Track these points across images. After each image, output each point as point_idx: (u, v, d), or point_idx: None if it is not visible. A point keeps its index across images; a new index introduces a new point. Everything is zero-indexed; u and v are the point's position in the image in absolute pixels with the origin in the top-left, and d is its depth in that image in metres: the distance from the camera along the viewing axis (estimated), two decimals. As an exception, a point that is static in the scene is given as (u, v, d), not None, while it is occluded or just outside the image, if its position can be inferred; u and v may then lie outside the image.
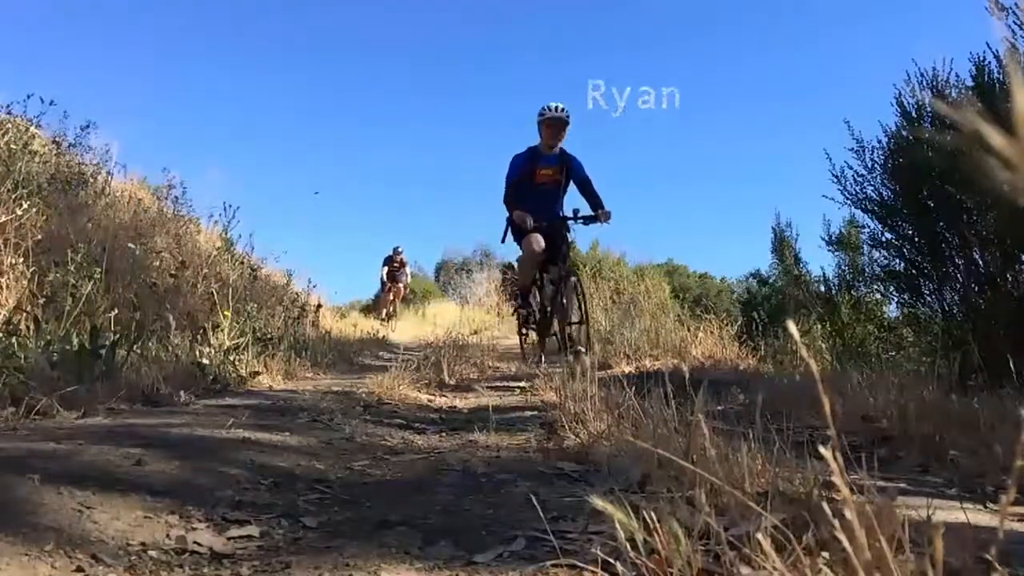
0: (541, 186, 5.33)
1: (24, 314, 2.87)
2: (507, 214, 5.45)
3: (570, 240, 5.37)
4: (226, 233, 6.43)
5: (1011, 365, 2.39)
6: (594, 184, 5.36)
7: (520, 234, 5.30)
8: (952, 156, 2.85)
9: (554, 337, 5.36)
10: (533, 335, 5.87)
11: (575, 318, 4.97)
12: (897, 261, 3.81)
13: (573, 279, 5.04)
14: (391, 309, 15.58)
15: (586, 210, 5.31)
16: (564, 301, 4.98)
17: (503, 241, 5.54)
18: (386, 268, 15.58)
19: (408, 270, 16.03)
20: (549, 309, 5.28)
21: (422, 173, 46.95)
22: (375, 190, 44.90)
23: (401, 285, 15.65)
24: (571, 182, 5.42)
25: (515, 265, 5.85)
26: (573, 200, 5.49)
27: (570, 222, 5.31)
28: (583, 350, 4.56)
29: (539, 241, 5.16)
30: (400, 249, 15.81)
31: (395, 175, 46.16)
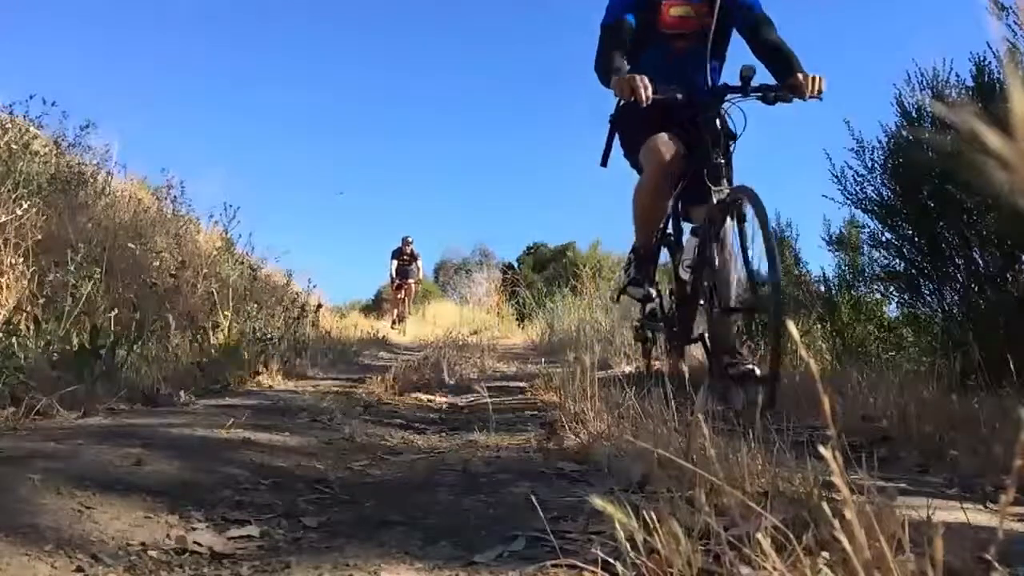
0: (671, 41, 2.80)
1: (24, 314, 2.87)
2: (609, 120, 2.91)
3: (733, 137, 2.68)
4: (226, 233, 6.42)
5: (1011, 365, 2.39)
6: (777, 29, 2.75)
7: (634, 139, 2.80)
8: (952, 156, 2.85)
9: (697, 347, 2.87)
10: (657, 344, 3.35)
11: (739, 297, 2.52)
12: (897, 261, 3.81)
13: (741, 215, 2.36)
14: (403, 310, 13.58)
15: (762, 77, 2.61)
16: (720, 265, 2.49)
17: (604, 163, 2.91)
18: (395, 262, 13.72)
19: (420, 263, 14.09)
20: (691, 286, 2.72)
21: (422, 172, 46.99)
22: (373, 189, 44.96)
23: (412, 282, 13.82)
24: (732, 30, 2.86)
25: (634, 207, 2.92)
26: (736, 67, 2.66)
27: (734, 99, 2.58)
28: (756, 374, 2.30)
29: (670, 146, 2.67)
30: (410, 239, 13.84)
31: (394, 174, 46.20)
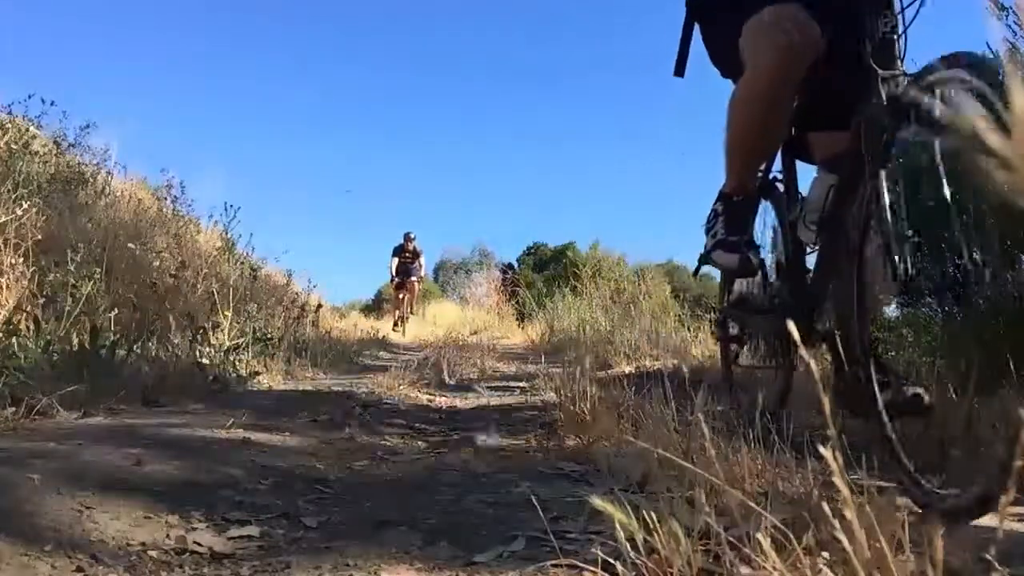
0: None
1: (24, 314, 2.87)
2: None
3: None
4: (226, 233, 6.42)
5: (1011, 365, 2.39)
6: None
7: (730, 23, 1.76)
8: (952, 157, 2.84)
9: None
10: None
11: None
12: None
13: (934, 123, 1.30)
14: (404, 312, 12.83)
15: None
16: (886, 215, 1.46)
17: (680, 71, 2.03)
18: (396, 260, 12.91)
19: (422, 260, 13.25)
20: (821, 253, 1.82)
21: (422, 172, 47.02)
22: (374, 189, 44.99)
23: (415, 280, 12.99)
24: None
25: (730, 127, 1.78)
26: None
27: None
28: (924, 401, 1.46)
29: (796, 19, 1.62)
30: (412, 236, 13.04)
31: (394, 174, 46.24)
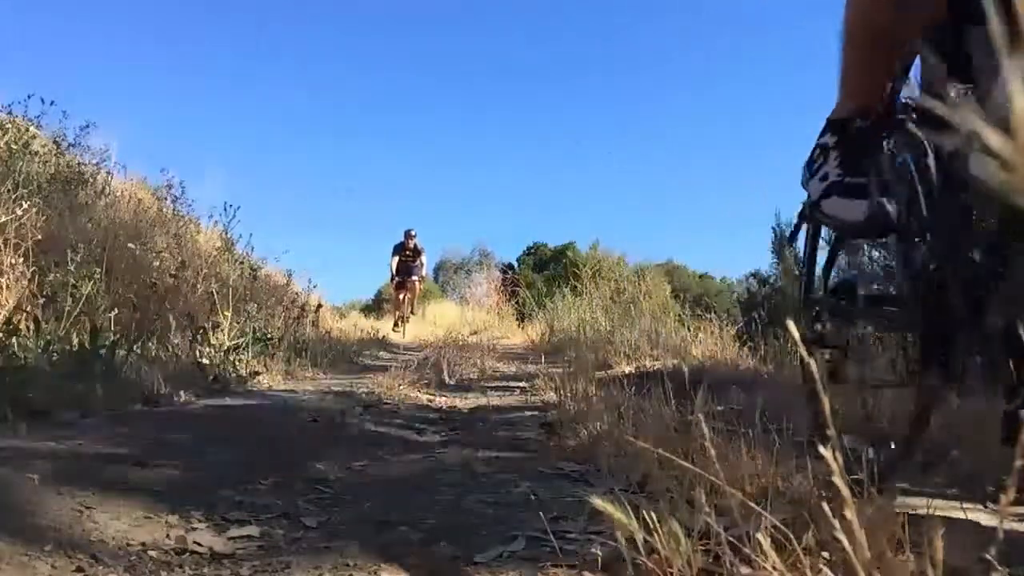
0: None
1: (24, 314, 2.87)
2: None
3: None
4: (226, 233, 6.42)
5: (1011, 365, 2.38)
6: None
7: None
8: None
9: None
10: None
11: None
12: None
13: None
14: (405, 312, 12.48)
15: None
16: None
17: None
18: (396, 258, 12.48)
19: (424, 259, 12.80)
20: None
21: (422, 172, 47.02)
22: (373, 189, 44.99)
23: (416, 279, 12.55)
24: None
25: None
26: None
27: None
28: None
29: None
30: (413, 233, 12.59)
31: (394, 174, 46.23)
